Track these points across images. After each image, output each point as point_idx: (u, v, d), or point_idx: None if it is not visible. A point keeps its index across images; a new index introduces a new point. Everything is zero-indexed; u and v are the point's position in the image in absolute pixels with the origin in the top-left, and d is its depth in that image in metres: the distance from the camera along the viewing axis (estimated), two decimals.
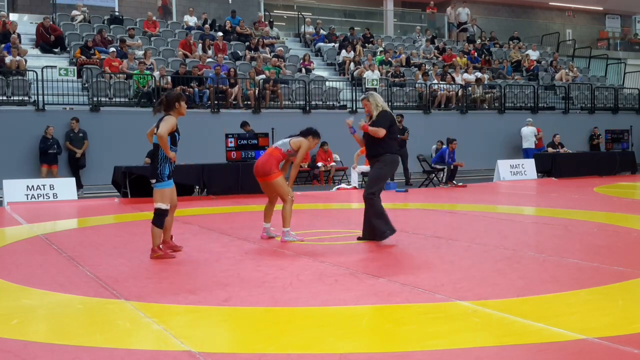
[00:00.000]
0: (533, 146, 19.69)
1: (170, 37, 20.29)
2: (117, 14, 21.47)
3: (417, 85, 20.57)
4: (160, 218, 6.53)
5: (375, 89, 19.84)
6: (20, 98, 15.49)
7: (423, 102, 20.29)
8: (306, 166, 16.93)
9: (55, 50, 18.06)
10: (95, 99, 15.95)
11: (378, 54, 22.17)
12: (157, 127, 6.60)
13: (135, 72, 16.69)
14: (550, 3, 32.67)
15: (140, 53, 18.06)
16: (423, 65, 21.73)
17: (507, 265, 5.97)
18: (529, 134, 19.74)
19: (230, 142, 13.95)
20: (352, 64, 21.02)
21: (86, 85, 16.51)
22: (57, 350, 3.75)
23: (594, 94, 23.39)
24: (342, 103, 19.30)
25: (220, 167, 14.00)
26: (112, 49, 17.41)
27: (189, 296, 4.96)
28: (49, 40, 18.09)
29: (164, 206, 6.58)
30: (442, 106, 20.52)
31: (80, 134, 15.00)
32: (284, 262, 6.27)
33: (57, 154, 14.69)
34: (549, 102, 22.83)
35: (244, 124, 15.45)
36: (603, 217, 9.60)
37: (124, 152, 15.05)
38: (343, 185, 15.48)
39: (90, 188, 15.09)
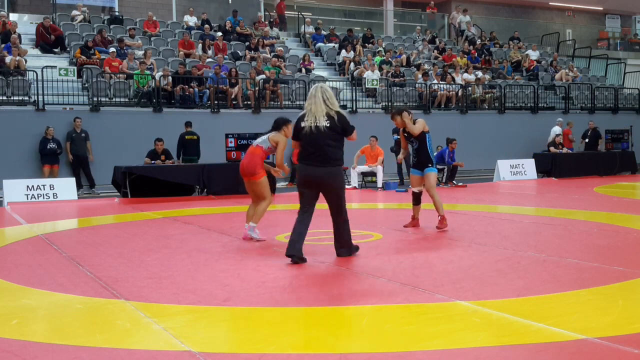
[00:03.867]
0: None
1: (170, 37, 20.29)
2: (117, 14, 21.48)
3: (417, 85, 20.58)
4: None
5: (375, 89, 19.87)
6: (20, 98, 15.49)
7: (423, 102, 20.30)
8: None
9: (55, 50, 18.06)
10: (95, 99, 15.94)
11: (378, 54, 22.17)
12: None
13: (136, 72, 16.70)
14: (550, 3, 32.66)
15: (140, 53, 18.07)
16: (421, 65, 21.74)
17: (507, 265, 5.97)
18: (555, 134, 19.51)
19: (230, 142, 13.94)
20: (352, 64, 21.03)
21: (86, 85, 16.52)
22: (57, 350, 3.75)
23: (594, 94, 23.39)
24: (342, 103, 19.29)
25: (220, 167, 14.00)
26: (112, 49, 17.41)
27: (189, 296, 4.96)
28: (49, 40, 18.09)
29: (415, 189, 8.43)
30: (442, 106, 20.53)
31: (82, 134, 15.00)
32: (283, 262, 6.27)
33: (58, 154, 14.71)
34: (549, 102, 22.83)
35: (187, 124, 15.37)
36: (603, 217, 9.60)
37: (124, 152, 15.06)
38: None
39: (89, 188, 15.11)
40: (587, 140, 19.82)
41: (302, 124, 6.12)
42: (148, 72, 16.81)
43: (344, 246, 6.38)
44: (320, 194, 6.26)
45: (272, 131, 7.61)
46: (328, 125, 6.02)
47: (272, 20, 23.51)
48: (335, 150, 6.07)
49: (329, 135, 6.02)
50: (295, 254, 6.09)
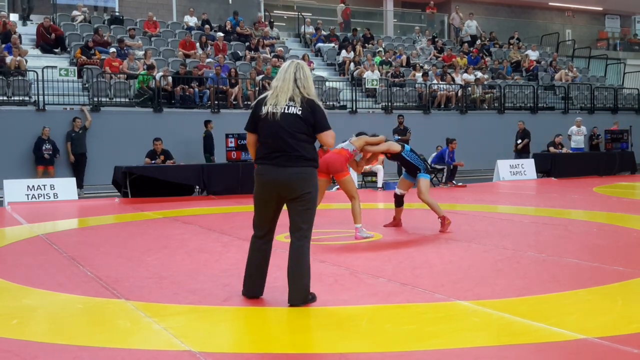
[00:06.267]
0: (582, 146, 19.34)
1: (171, 38, 20.30)
2: (117, 14, 21.48)
3: (417, 85, 20.58)
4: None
5: (375, 89, 19.88)
6: (21, 98, 15.49)
7: (423, 102, 20.30)
8: None
9: (56, 50, 18.07)
10: (95, 99, 15.95)
11: (377, 54, 22.17)
12: None
13: (142, 72, 16.70)
14: (550, 3, 32.66)
15: (140, 53, 18.08)
16: (418, 64, 21.74)
17: (507, 265, 5.97)
18: (574, 133, 19.32)
19: (230, 142, 13.94)
20: (352, 64, 21.03)
21: (86, 85, 16.52)
22: (57, 350, 3.76)
23: (594, 94, 23.40)
24: (342, 103, 19.31)
25: (220, 167, 14.00)
26: (112, 49, 17.42)
27: (189, 296, 4.96)
28: (50, 41, 18.09)
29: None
30: (442, 106, 20.53)
31: (81, 131, 14.99)
32: (283, 262, 6.26)
33: (53, 155, 14.65)
34: (548, 102, 22.83)
35: (205, 123, 15.69)
36: (603, 217, 9.60)
37: (124, 152, 15.06)
38: None
39: (90, 188, 15.10)
40: (519, 141, 18.65)
41: (263, 110, 4.51)
42: (146, 72, 16.81)
43: (299, 287, 4.54)
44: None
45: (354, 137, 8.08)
46: (300, 113, 4.45)
47: (271, 20, 23.52)
48: (308, 145, 4.52)
49: (301, 126, 4.46)
50: (255, 295, 4.80)
